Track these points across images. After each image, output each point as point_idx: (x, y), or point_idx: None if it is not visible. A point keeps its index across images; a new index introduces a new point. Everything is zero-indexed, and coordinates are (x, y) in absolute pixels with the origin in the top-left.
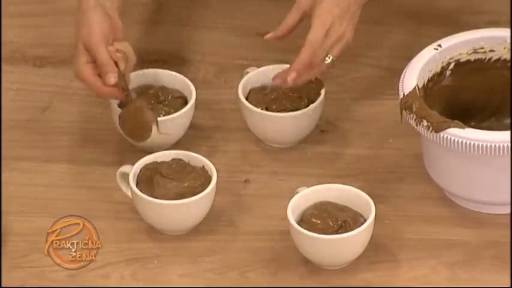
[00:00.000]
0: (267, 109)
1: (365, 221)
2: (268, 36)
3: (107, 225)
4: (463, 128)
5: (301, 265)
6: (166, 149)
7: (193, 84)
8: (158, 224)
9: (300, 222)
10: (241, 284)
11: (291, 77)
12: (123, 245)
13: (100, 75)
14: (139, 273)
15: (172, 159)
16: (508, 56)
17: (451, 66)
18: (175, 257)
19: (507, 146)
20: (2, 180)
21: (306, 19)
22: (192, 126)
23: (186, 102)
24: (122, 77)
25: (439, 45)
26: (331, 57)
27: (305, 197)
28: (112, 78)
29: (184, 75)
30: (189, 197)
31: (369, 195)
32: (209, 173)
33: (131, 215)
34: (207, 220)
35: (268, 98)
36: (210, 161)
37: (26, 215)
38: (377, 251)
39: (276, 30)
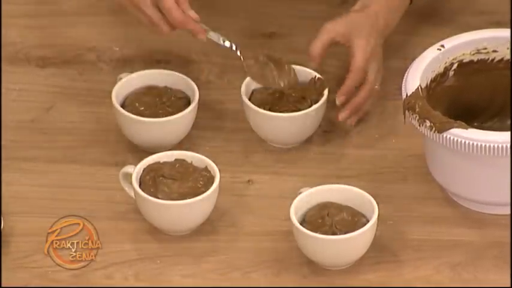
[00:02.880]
0: (270, 109)
1: (367, 221)
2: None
3: (109, 225)
4: (466, 129)
5: (304, 265)
6: (169, 150)
7: (197, 85)
8: (161, 224)
9: (303, 222)
10: (244, 284)
11: (343, 114)
12: (126, 246)
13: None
14: (142, 273)
15: (175, 160)
16: None
17: (454, 66)
18: (178, 258)
19: (509, 146)
20: (5, 181)
21: (333, 45)
22: (195, 126)
23: (189, 103)
24: None
25: (442, 46)
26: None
27: (308, 197)
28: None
29: (188, 76)
30: (191, 197)
31: (372, 196)
32: (212, 173)
33: (134, 216)
34: (210, 220)
35: (271, 98)
36: (213, 162)
37: (28, 215)
38: (380, 251)
39: (309, 55)
